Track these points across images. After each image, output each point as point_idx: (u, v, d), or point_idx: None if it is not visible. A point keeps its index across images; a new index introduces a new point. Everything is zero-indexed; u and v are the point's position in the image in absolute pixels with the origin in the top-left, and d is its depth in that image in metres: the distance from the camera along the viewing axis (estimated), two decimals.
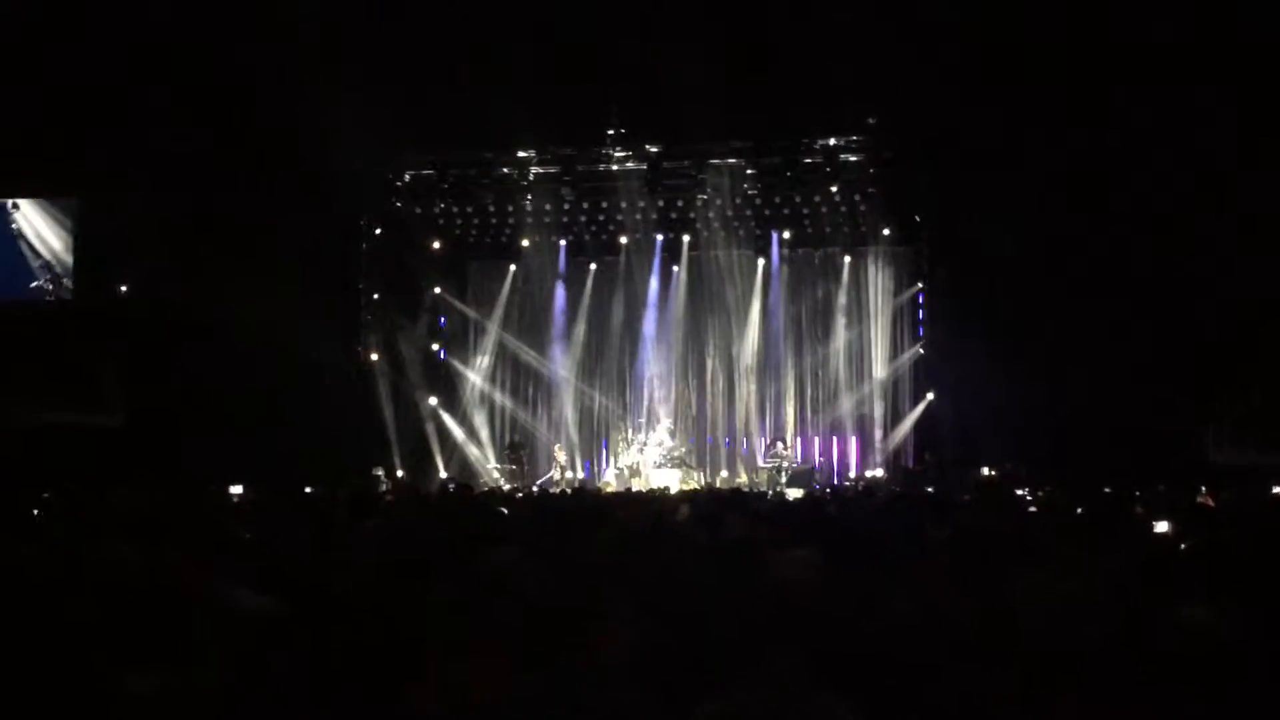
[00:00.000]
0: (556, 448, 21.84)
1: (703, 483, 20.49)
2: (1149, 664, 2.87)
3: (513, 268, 23.00)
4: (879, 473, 20.58)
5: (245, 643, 2.99)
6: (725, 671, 2.92)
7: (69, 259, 19.84)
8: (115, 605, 2.93)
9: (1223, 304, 16.97)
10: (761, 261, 22.23)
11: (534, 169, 20.89)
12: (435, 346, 23.06)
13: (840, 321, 21.95)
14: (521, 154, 20.71)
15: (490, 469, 21.96)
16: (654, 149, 20.28)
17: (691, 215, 21.89)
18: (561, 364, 22.90)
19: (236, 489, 13.71)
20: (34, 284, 19.86)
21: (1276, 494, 11.86)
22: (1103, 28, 16.46)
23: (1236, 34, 15.90)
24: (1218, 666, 2.94)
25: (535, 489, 18.77)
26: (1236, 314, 17.03)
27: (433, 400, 22.32)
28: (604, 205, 21.80)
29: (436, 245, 22.55)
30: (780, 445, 20.94)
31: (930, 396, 20.52)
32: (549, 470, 21.48)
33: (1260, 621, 2.96)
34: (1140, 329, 17.22)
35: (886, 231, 21.23)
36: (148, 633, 2.89)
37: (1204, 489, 12.68)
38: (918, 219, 20.78)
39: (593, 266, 22.94)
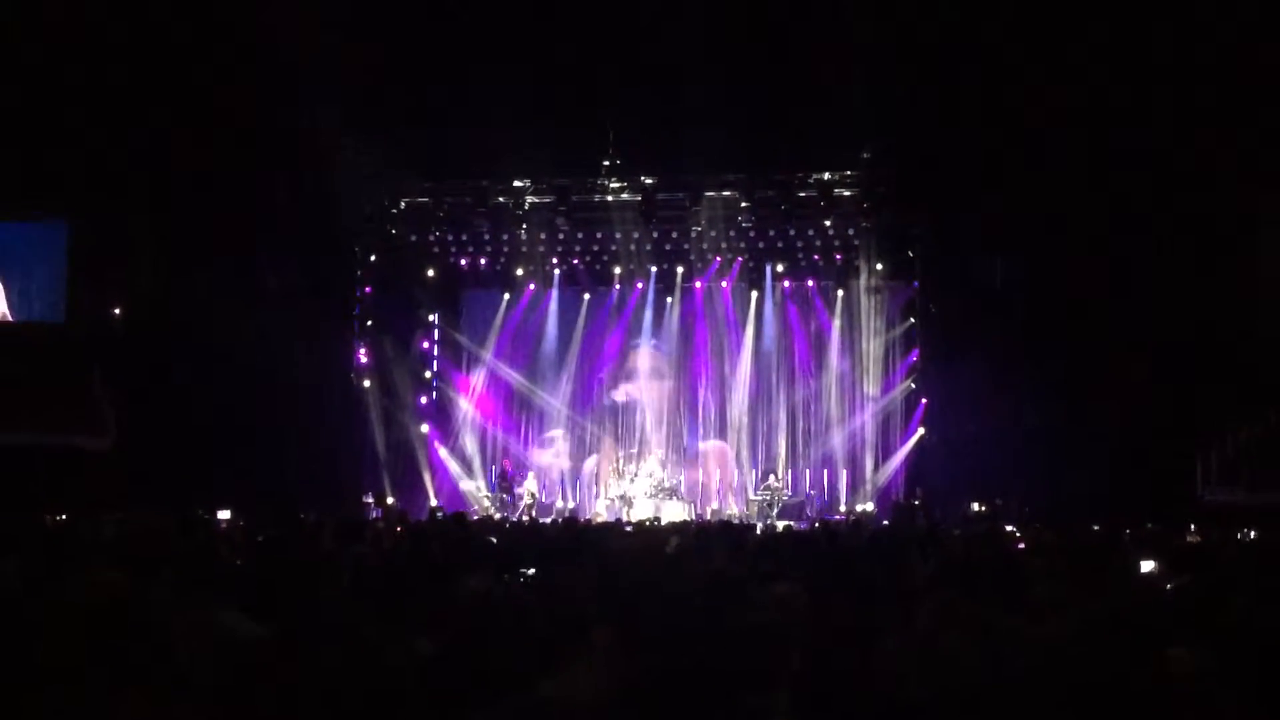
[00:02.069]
0: (530, 476, 21.79)
1: (693, 514, 20.44)
2: (1134, 707, 2.88)
3: (506, 296, 23.01)
4: (869, 506, 20.56)
5: (234, 670, 2.99)
6: (711, 707, 2.92)
7: None
8: (104, 632, 2.93)
9: (1216, 342, 17.03)
10: (754, 294, 22.29)
11: (529, 199, 20.95)
12: (428, 374, 23.06)
13: (832, 355, 21.98)
14: (517, 183, 20.78)
15: (481, 497, 21.90)
16: (649, 180, 20.36)
17: (685, 247, 21.98)
18: (554, 393, 22.90)
19: (225, 514, 13.68)
20: None
21: (1255, 538, 11.84)
22: (1097, 63, 16.61)
23: (1234, 69, 16.06)
24: (1203, 711, 2.96)
25: (524, 519, 18.75)
26: (1229, 351, 17.08)
27: (424, 428, 22.29)
28: (598, 236, 21.89)
29: (431, 273, 22.60)
30: (772, 478, 20.93)
31: (921, 431, 20.55)
32: (534, 499, 21.40)
33: (1243, 665, 2.98)
34: (1131, 366, 17.27)
35: (879, 266, 21.28)
36: (137, 660, 2.89)
37: (1193, 528, 12.71)
38: (910, 254, 20.86)
39: (586, 296, 22.97)
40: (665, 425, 22.57)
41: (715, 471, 22.23)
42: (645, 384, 22.73)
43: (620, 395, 22.94)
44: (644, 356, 22.75)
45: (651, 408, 22.63)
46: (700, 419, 22.62)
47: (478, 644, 3.14)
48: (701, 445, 22.50)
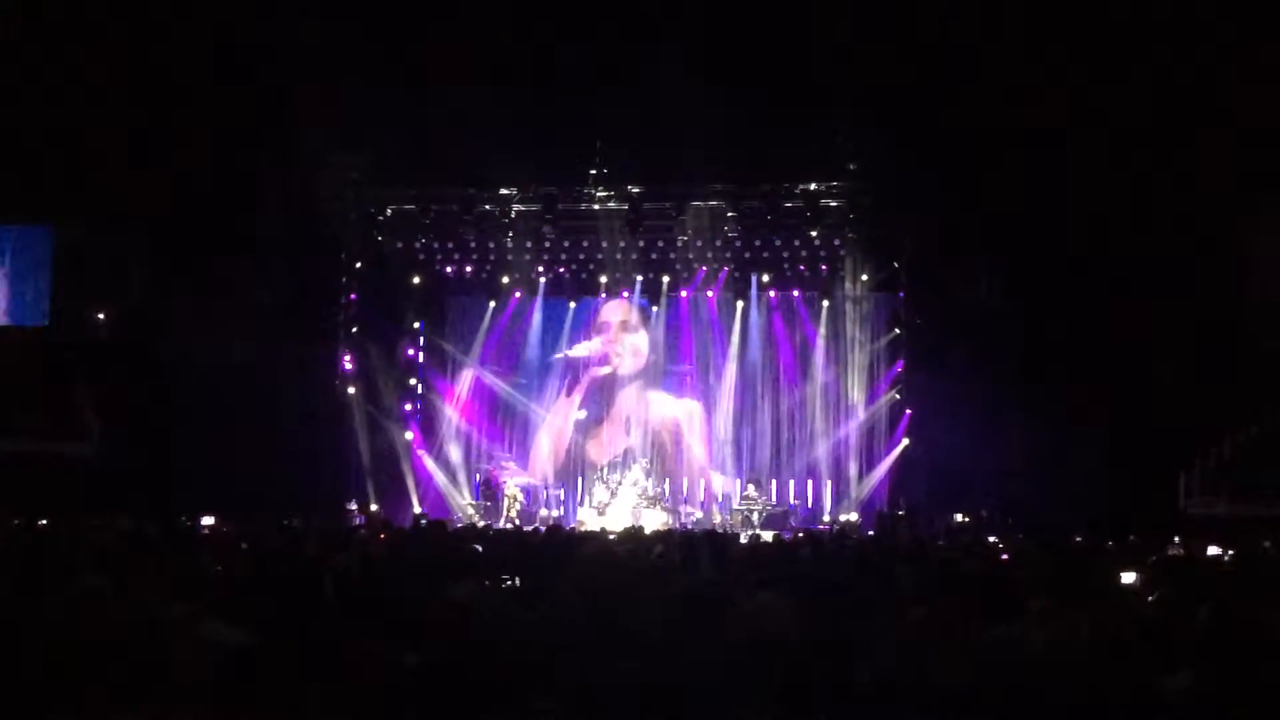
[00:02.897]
0: (510, 483, 21.73)
1: (677, 523, 20.40)
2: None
3: (492, 304, 23.00)
4: (853, 516, 20.55)
5: (218, 675, 2.98)
6: (698, 714, 2.93)
7: None
8: (88, 637, 2.93)
9: (1202, 354, 17.12)
10: (740, 303, 22.30)
11: (516, 206, 20.94)
12: (413, 381, 23.02)
13: (817, 365, 22.00)
14: (504, 191, 20.78)
15: (464, 505, 21.85)
16: (636, 189, 20.38)
17: (671, 256, 22.00)
18: (538, 401, 22.89)
19: (208, 520, 13.63)
20: None
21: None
22: (1089, 76, 16.70)
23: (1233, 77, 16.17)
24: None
25: (510, 525, 18.70)
26: (1215, 364, 17.17)
27: (409, 435, 22.25)
28: (585, 244, 21.91)
29: (417, 280, 22.60)
30: (752, 487, 20.93)
31: (905, 441, 20.57)
32: (517, 506, 21.34)
33: (1223, 680, 3.00)
34: (1115, 378, 17.35)
35: (865, 277, 21.30)
36: (121, 665, 2.88)
37: (1176, 540, 12.75)
38: (896, 264, 20.90)
39: (572, 305, 22.98)
40: (650, 434, 22.54)
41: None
42: (629, 392, 22.74)
43: (604, 403, 22.92)
44: (629, 365, 22.77)
45: (635, 416, 22.62)
46: (684, 427, 22.60)
47: (463, 656, 3.14)
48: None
